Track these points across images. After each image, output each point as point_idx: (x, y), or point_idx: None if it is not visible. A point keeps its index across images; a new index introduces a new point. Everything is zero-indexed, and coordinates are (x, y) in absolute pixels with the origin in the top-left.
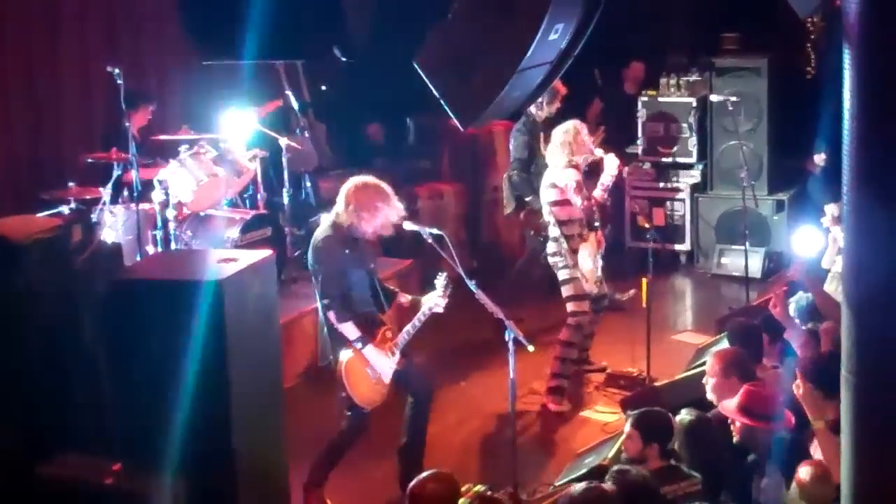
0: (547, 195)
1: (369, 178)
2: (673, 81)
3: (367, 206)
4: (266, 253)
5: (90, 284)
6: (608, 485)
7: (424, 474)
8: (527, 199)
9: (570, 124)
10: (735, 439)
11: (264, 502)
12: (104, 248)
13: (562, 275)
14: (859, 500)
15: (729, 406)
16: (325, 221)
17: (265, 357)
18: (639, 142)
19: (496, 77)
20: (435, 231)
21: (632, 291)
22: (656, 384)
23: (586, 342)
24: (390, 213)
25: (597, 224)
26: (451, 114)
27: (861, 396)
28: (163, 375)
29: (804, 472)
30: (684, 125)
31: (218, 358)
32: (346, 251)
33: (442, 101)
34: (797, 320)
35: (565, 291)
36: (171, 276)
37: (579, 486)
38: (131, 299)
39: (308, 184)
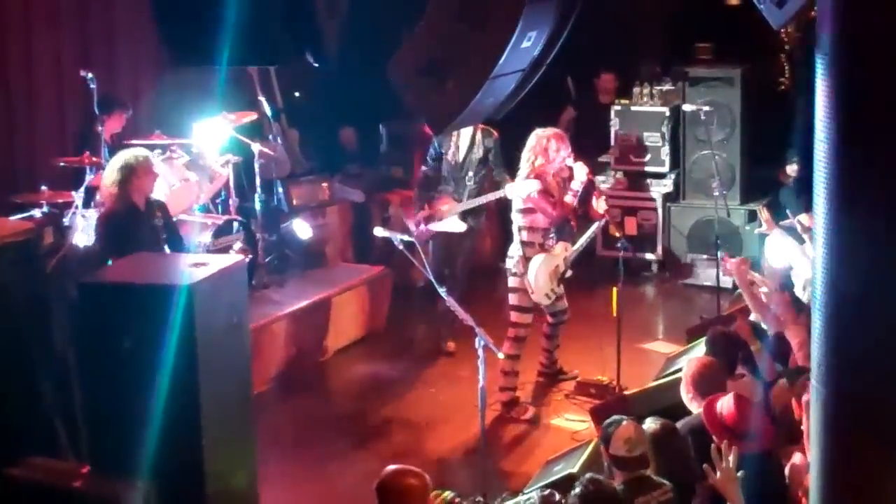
0: (514, 201)
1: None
2: (646, 90)
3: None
4: (237, 258)
5: (61, 288)
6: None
7: (396, 468)
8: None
9: (540, 133)
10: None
11: None
12: (76, 252)
13: (511, 282)
14: None
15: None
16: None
17: (235, 362)
18: (611, 151)
19: (469, 84)
20: (406, 238)
21: None
22: (626, 393)
23: (553, 353)
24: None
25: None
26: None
27: (830, 407)
28: (133, 379)
29: None
30: (657, 134)
31: (188, 362)
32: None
33: (413, 112)
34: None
35: (511, 300)
36: (142, 280)
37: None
38: (102, 303)
39: (280, 190)
